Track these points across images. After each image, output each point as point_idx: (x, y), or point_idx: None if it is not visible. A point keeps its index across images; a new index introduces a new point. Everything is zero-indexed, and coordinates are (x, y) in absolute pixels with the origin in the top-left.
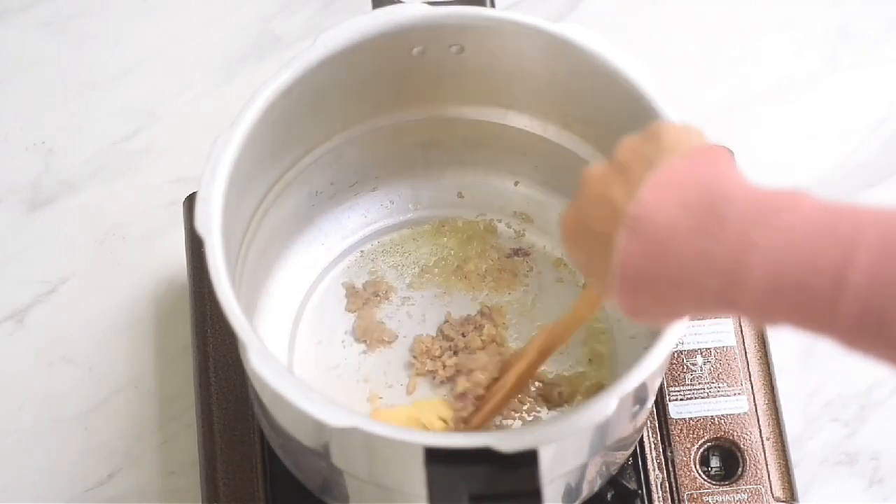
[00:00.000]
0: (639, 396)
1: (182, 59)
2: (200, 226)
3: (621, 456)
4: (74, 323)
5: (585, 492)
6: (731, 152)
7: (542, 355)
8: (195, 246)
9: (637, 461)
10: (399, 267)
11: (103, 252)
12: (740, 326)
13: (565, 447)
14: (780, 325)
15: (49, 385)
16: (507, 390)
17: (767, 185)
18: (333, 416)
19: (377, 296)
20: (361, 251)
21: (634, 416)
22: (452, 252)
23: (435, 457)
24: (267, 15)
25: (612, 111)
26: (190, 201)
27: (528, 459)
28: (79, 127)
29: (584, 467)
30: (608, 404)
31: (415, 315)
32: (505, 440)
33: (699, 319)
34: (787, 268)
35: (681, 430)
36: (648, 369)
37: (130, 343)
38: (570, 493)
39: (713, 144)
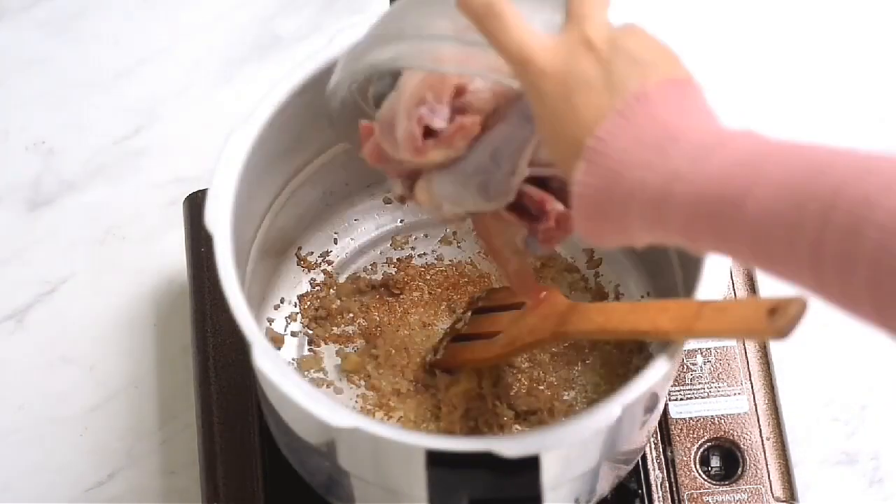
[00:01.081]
0: (647, 405)
1: (182, 59)
2: (210, 222)
3: (626, 467)
4: (74, 323)
5: (588, 498)
6: (699, 87)
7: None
8: (195, 245)
9: (637, 461)
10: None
11: (103, 252)
12: None
13: (570, 454)
14: (705, 250)
15: (49, 385)
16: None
17: (724, 125)
18: (336, 417)
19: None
20: (374, 252)
21: (644, 424)
22: None
23: (436, 459)
24: (267, 14)
25: None
26: (190, 201)
27: (529, 465)
28: (79, 127)
29: (590, 474)
30: (611, 412)
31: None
32: (507, 445)
33: None
34: (702, 198)
35: (681, 429)
36: (653, 378)
37: (130, 343)
38: (574, 500)
39: (683, 78)
